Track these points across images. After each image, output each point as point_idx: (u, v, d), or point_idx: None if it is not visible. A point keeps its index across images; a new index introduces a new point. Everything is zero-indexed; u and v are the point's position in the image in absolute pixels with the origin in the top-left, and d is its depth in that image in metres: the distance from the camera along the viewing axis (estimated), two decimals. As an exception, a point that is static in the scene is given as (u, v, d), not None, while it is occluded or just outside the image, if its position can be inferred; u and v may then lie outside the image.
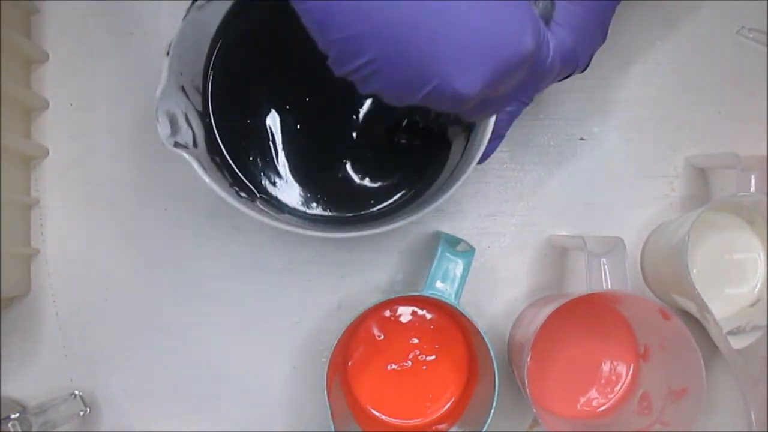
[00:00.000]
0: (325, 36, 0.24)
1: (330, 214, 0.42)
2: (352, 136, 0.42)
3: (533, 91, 0.35)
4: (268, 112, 0.42)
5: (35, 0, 0.46)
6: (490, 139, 0.37)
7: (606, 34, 0.37)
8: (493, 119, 0.37)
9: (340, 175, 0.43)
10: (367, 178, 0.43)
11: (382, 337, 0.45)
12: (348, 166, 0.42)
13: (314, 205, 0.42)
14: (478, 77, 0.24)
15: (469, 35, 0.23)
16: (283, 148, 0.42)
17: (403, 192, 0.43)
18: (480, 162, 0.38)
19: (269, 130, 0.42)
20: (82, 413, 0.43)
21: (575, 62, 0.37)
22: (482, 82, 0.24)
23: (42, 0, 0.46)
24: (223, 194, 0.35)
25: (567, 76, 0.38)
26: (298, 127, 0.42)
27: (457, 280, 0.41)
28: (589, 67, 0.38)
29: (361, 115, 0.42)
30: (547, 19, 0.37)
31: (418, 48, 0.23)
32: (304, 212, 0.42)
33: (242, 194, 0.40)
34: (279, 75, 0.42)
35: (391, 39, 0.23)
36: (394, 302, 0.45)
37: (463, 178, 0.37)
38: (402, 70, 0.24)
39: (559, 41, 0.35)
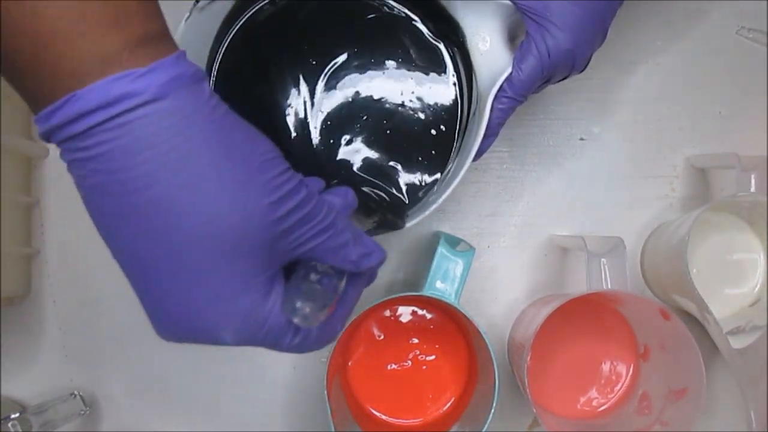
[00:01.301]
0: None
1: None
2: (358, 137, 0.42)
3: None
4: (271, 114, 0.42)
5: (35, 0, 0.46)
6: (484, 137, 0.38)
7: (605, 36, 0.37)
8: (486, 118, 0.37)
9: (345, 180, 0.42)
10: (375, 184, 0.42)
11: (382, 337, 0.45)
12: (355, 168, 0.42)
13: None
14: (168, 336, 0.26)
15: (162, 309, 0.25)
16: (288, 152, 0.42)
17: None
18: (474, 159, 0.38)
19: (272, 133, 0.42)
20: (82, 413, 0.43)
21: (572, 65, 0.37)
22: (175, 341, 0.26)
23: (42, 0, 0.46)
24: None
25: (564, 78, 0.38)
26: (302, 128, 0.42)
27: (457, 280, 0.41)
28: (588, 67, 0.38)
29: (366, 116, 0.42)
30: (512, 37, 0.38)
31: (133, 287, 0.26)
32: None
33: None
34: (281, 76, 0.42)
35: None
36: (394, 302, 0.45)
37: (459, 177, 0.37)
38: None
39: (556, 43, 0.35)
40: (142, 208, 0.23)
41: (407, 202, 0.41)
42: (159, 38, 0.24)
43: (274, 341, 0.26)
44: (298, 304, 0.25)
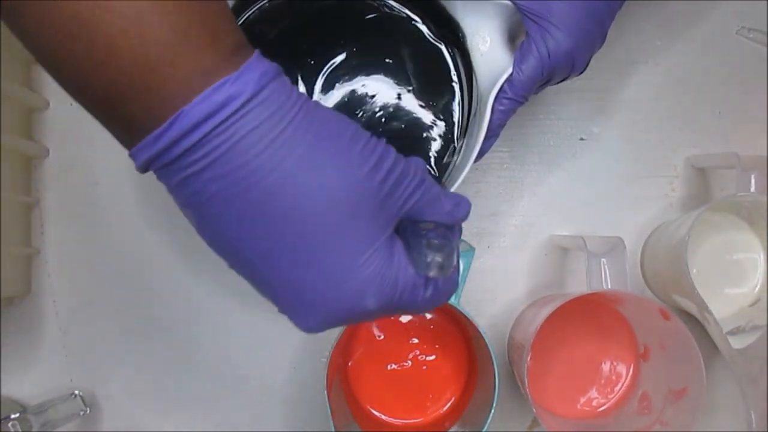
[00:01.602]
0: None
1: None
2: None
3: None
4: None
5: (35, 0, 0.46)
6: (485, 138, 0.38)
7: (605, 38, 0.37)
8: (487, 119, 0.37)
9: None
10: None
11: (382, 337, 0.45)
12: None
13: None
14: (313, 324, 0.27)
15: (303, 295, 0.26)
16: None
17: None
18: (475, 160, 0.38)
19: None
20: (82, 413, 0.43)
21: (571, 66, 0.37)
22: (321, 327, 0.27)
23: (42, 0, 0.46)
24: None
25: (563, 80, 0.38)
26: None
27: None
28: (588, 68, 0.38)
29: (362, 113, 0.42)
30: (513, 38, 0.38)
31: (265, 292, 0.28)
32: None
33: None
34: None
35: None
36: (394, 302, 0.45)
37: (461, 178, 0.37)
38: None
39: (557, 44, 0.35)
40: (263, 198, 0.24)
41: (435, 172, 0.41)
42: (243, 44, 0.25)
43: (410, 297, 0.27)
44: (430, 258, 0.27)
